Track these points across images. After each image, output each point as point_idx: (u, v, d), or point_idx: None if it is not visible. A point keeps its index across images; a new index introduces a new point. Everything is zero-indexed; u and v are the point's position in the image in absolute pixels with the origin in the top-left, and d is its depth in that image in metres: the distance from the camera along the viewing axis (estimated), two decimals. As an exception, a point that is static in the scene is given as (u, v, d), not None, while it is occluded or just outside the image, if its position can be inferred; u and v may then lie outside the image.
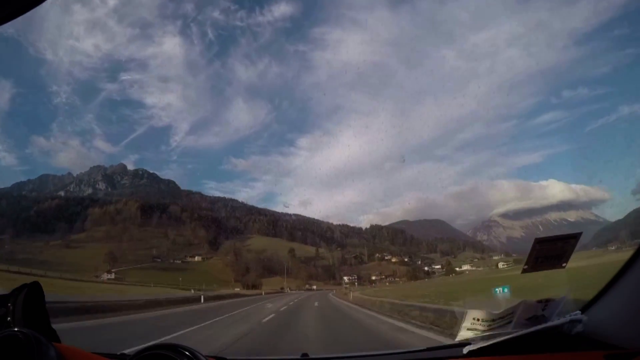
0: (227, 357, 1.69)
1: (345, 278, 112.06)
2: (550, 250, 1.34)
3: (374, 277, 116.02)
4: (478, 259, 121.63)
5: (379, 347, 6.74)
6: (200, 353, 1.12)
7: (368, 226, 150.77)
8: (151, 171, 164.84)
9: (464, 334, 1.41)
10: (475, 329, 1.37)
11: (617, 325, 1.25)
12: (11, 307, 1.27)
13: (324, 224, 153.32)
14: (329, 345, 7.15)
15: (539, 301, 1.32)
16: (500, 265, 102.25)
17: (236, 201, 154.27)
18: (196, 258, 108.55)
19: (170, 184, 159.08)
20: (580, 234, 1.38)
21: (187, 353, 1.08)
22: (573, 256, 1.32)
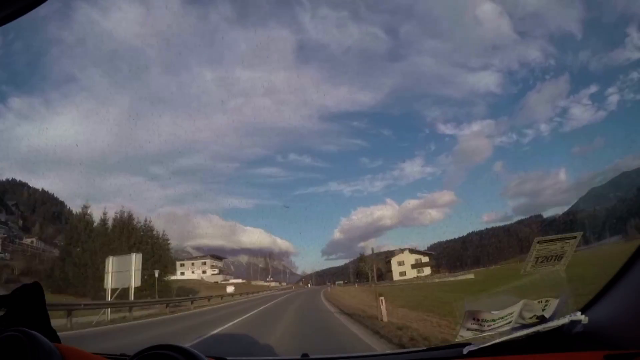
0: (227, 358, 1.69)
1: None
2: (551, 250, 1.35)
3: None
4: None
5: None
6: (200, 353, 1.12)
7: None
8: None
9: (464, 334, 1.41)
10: (476, 329, 1.37)
11: (617, 325, 1.25)
12: (11, 307, 1.27)
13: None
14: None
15: (540, 301, 1.32)
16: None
17: None
18: None
19: None
20: (580, 234, 1.38)
21: (187, 353, 1.08)
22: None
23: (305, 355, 1.77)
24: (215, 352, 1.88)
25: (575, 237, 1.35)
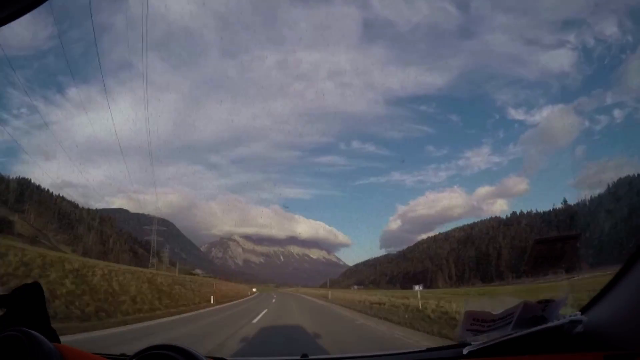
0: (227, 358, 1.69)
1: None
2: (550, 251, 1.34)
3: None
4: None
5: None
6: (200, 353, 1.12)
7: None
8: None
9: (463, 335, 1.41)
10: (475, 330, 1.37)
11: (617, 325, 1.25)
12: (11, 307, 1.27)
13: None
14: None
15: (539, 302, 1.32)
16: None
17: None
18: None
19: None
20: (580, 234, 1.38)
21: (186, 353, 1.08)
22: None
23: (305, 355, 1.77)
24: (216, 351, 1.87)
25: (575, 238, 1.35)
